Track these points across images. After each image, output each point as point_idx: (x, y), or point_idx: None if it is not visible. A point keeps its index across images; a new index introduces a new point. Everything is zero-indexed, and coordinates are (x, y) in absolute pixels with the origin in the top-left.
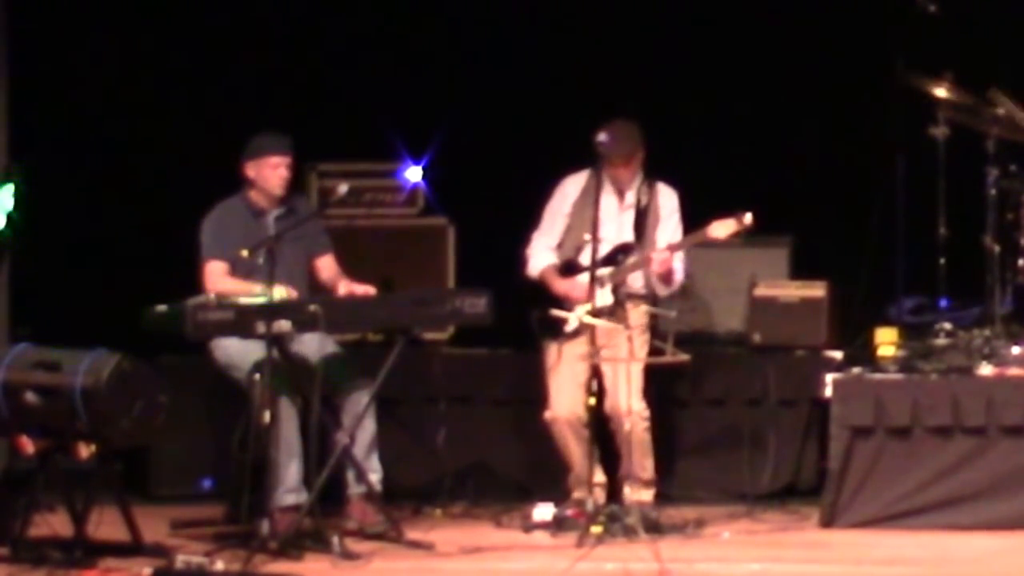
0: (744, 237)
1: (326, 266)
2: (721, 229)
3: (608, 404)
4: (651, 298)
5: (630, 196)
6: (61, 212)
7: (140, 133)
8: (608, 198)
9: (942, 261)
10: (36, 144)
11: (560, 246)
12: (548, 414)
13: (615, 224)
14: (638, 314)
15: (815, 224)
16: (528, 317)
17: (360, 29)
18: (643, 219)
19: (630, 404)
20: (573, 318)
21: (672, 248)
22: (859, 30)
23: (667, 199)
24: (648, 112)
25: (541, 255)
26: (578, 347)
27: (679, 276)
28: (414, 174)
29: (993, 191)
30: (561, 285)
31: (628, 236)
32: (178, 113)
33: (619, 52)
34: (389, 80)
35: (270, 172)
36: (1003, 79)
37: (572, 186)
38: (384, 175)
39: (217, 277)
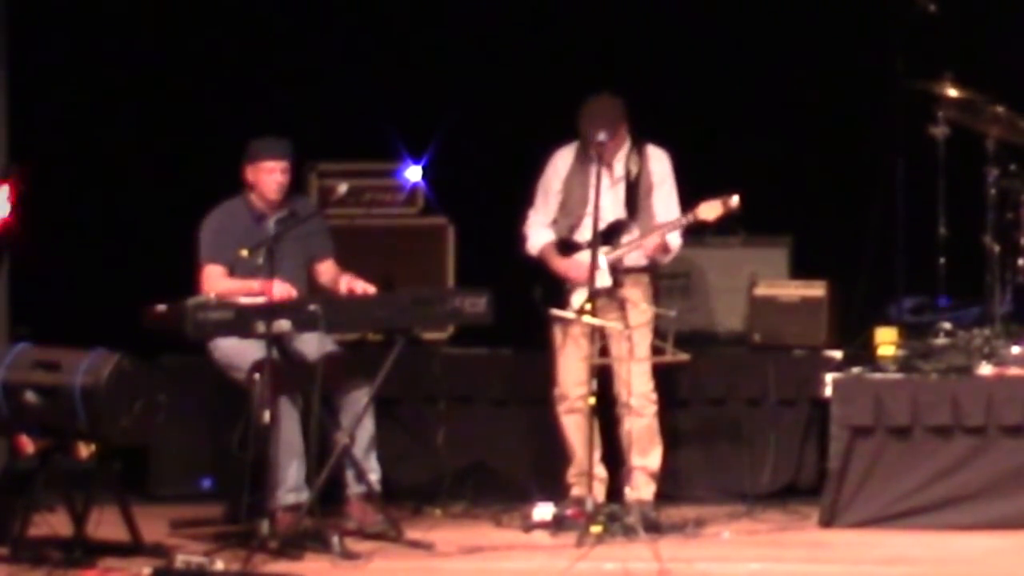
0: (744, 236)
1: (326, 270)
2: (709, 211)
3: (616, 384)
4: (650, 269)
5: (619, 168)
6: (61, 212)
7: (140, 133)
8: (597, 170)
9: (942, 261)
10: (36, 144)
11: (555, 222)
12: (557, 390)
13: (608, 198)
14: (637, 313)
15: (815, 224)
16: (531, 294)
17: (360, 29)
18: (635, 190)
19: (629, 398)
20: (573, 313)
21: (661, 230)
22: (859, 30)
23: (658, 164)
24: (648, 113)
25: (539, 232)
26: (583, 326)
27: (676, 243)
28: (414, 174)
29: (993, 191)
30: (560, 264)
31: (621, 210)
32: (178, 113)
33: (622, 56)
34: (389, 80)
35: (265, 177)
36: (1003, 79)
37: (561, 160)
38: (384, 175)
39: (215, 280)
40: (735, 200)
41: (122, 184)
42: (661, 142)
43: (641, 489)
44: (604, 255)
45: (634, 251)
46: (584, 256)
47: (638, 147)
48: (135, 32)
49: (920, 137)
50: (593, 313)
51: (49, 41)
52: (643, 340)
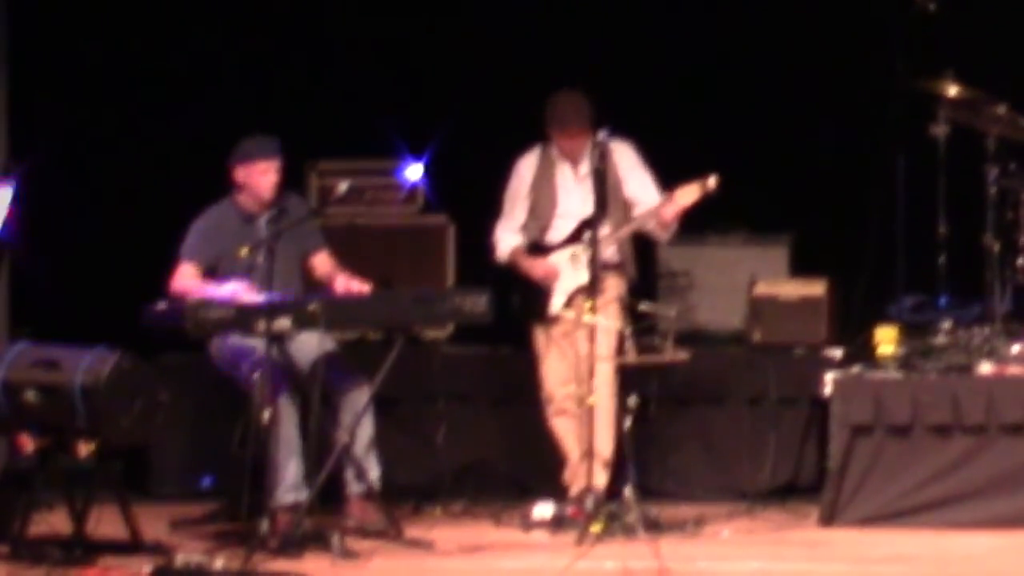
0: (744, 236)
1: (321, 262)
2: (686, 196)
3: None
4: (627, 268)
5: (584, 165)
6: (61, 212)
7: (140, 133)
8: (563, 170)
9: (942, 259)
10: (36, 144)
11: (524, 227)
12: (543, 393)
13: (576, 196)
14: (615, 290)
15: (815, 223)
16: (509, 301)
17: (360, 28)
18: (602, 185)
19: (594, 391)
20: (560, 308)
21: (636, 221)
22: (859, 30)
23: (623, 156)
24: (647, 113)
25: (507, 238)
26: (563, 326)
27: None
28: (414, 172)
29: (993, 189)
30: (529, 266)
31: (591, 207)
32: (178, 112)
33: (623, 55)
34: (389, 79)
35: (259, 177)
36: (1003, 79)
37: (526, 166)
38: (384, 173)
39: (184, 278)
40: (712, 181)
41: (122, 183)
42: (661, 142)
43: (597, 477)
44: (582, 252)
45: (612, 244)
46: (563, 257)
47: (600, 143)
48: (135, 32)
49: (920, 136)
50: (593, 312)
51: (49, 41)
52: (610, 336)
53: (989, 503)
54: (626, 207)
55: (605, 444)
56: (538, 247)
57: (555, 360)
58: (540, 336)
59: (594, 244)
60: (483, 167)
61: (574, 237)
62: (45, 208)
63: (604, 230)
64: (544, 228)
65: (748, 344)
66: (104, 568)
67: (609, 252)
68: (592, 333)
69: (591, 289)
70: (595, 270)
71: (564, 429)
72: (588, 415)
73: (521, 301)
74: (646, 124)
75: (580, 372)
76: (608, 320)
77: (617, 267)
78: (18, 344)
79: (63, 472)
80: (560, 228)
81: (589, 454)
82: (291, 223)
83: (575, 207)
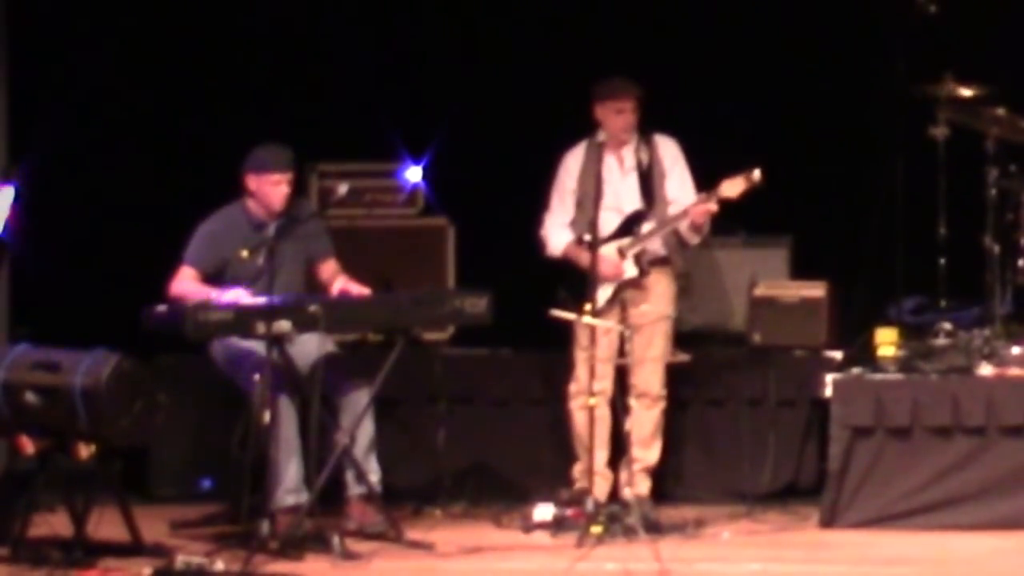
0: (744, 237)
1: (328, 270)
2: (731, 188)
3: (629, 380)
4: (674, 261)
5: (629, 158)
6: (61, 212)
7: (140, 133)
8: (609, 163)
9: (942, 261)
10: (36, 144)
11: (573, 222)
12: (575, 386)
13: (622, 189)
14: (651, 309)
15: (815, 224)
16: (555, 295)
17: (360, 29)
18: (648, 178)
19: (638, 394)
20: (572, 315)
21: (684, 214)
22: (859, 30)
23: (667, 149)
24: (647, 114)
25: (558, 233)
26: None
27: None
28: (414, 174)
29: (993, 191)
30: (588, 260)
31: (636, 200)
32: (178, 113)
33: (621, 56)
34: (389, 80)
35: (271, 188)
36: (1003, 79)
37: (572, 160)
38: (384, 175)
39: (184, 280)
40: (757, 174)
41: (122, 184)
42: None
43: (638, 485)
44: (628, 246)
45: (663, 231)
46: (609, 250)
47: (645, 137)
48: (135, 32)
49: (920, 138)
50: (595, 313)
51: (49, 42)
52: (658, 336)
53: (989, 505)
54: (667, 200)
55: (654, 453)
56: (584, 242)
57: (596, 355)
58: (583, 329)
59: (594, 244)
60: (483, 169)
61: (620, 231)
62: (45, 208)
63: (649, 224)
64: (592, 222)
65: (748, 345)
66: (104, 570)
67: (655, 246)
68: (638, 332)
69: (638, 282)
70: (594, 271)
71: (587, 424)
72: (593, 414)
73: (567, 294)
74: (643, 127)
75: (632, 369)
76: (656, 314)
77: (663, 261)
78: (18, 346)
79: (63, 474)
80: (606, 222)
81: (591, 454)
82: (293, 225)
83: (621, 199)
